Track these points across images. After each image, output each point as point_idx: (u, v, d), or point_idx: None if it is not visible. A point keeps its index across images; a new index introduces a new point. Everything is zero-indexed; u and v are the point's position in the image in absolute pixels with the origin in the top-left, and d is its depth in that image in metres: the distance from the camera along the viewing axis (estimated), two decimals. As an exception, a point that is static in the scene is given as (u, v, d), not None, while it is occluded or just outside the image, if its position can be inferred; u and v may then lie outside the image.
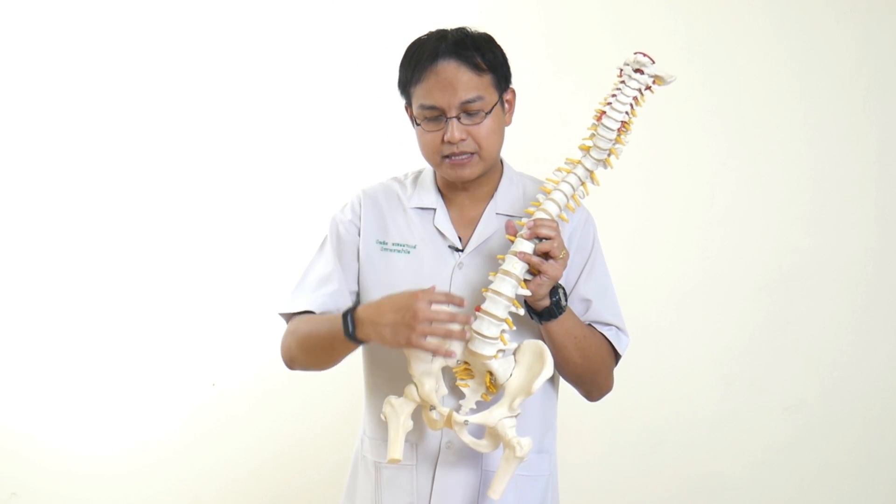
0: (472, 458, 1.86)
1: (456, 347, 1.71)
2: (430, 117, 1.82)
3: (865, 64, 2.92)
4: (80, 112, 3.12)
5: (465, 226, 1.90)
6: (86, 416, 3.12)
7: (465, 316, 1.68)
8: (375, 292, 1.88)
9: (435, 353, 1.68)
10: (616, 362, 1.93)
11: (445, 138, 1.81)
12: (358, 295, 1.93)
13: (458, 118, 1.81)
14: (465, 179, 1.85)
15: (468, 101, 1.81)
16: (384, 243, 1.91)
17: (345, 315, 1.76)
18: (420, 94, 1.83)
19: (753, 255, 2.95)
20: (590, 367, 1.85)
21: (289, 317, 1.95)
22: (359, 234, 1.93)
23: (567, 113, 2.97)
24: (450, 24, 1.90)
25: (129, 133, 3.12)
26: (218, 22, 3.10)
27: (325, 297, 1.89)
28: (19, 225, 3.13)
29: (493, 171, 1.92)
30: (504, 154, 1.93)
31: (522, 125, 2.04)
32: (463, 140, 1.81)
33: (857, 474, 2.95)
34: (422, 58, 1.84)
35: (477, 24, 1.91)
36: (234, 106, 3.10)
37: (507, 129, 1.90)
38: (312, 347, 1.86)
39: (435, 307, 1.66)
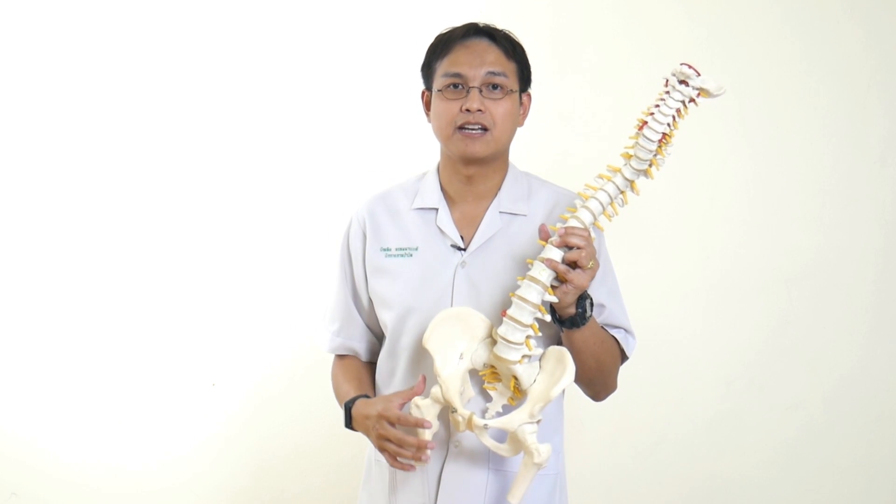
0: (479, 457, 1.88)
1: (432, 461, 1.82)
2: (452, 84, 1.85)
3: (868, 62, 2.93)
4: (83, 113, 3.10)
5: (468, 225, 1.92)
6: (85, 416, 3.12)
7: (416, 440, 1.76)
8: (383, 299, 1.93)
9: (401, 469, 1.81)
10: (622, 363, 1.95)
11: (463, 107, 1.84)
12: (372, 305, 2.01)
13: (480, 90, 1.83)
14: (473, 156, 1.86)
15: (493, 73, 1.85)
16: (388, 249, 1.93)
17: (347, 406, 1.91)
18: (446, 65, 1.87)
19: (754, 255, 2.96)
20: (602, 371, 1.88)
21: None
22: (364, 254, 1.94)
23: (568, 113, 2.97)
24: (454, 25, 1.93)
25: (131, 134, 3.11)
26: (229, 31, 3.09)
27: (339, 339, 2.04)
28: (20, 226, 3.12)
29: (499, 168, 1.93)
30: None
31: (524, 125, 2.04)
32: (480, 111, 1.83)
33: (858, 474, 2.96)
34: (453, 35, 1.90)
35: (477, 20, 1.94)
36: (239, 105, 3.09)
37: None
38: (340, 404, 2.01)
39: (388, 430, 1.77)
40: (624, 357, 1.95)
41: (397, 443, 1.76)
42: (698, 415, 2.99)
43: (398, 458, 1.78)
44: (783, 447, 2.96)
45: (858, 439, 2.95)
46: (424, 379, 1.79)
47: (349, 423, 1.90)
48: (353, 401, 1.89)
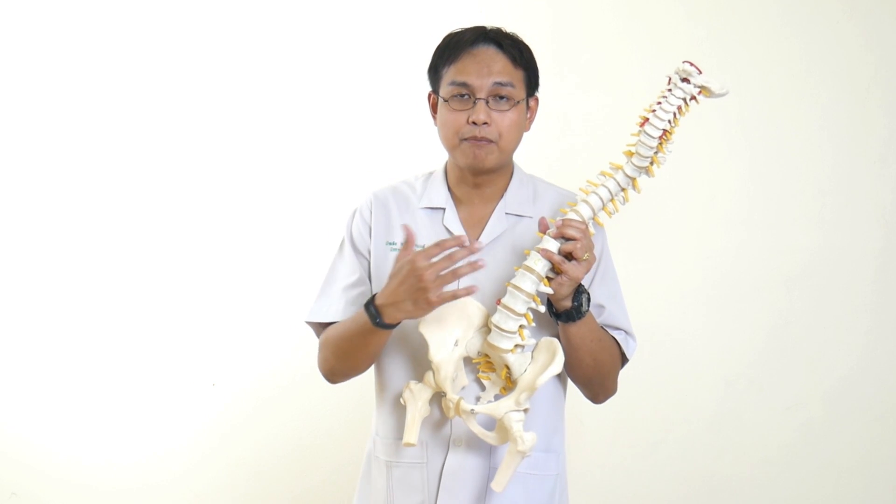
0: (480, 455, 1.87)
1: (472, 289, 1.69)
2: (458, 94, 1.84)
3: (868, 62, 2.93)
4: (83, 113, 3.11)
5: (474, 225, 1.92)
6: (85, 416, 3.12)
7: (465, 250, 1.67)
8: None
9: (457, 296, 1.68)
10: (622, 366, 1.94)
11: (470, 119, 1.83)
12: None
13: (487, 102, 1.83)
14: (479, 166, 1.86)
15: (500, 84, 1.84)
16: (393, 244, 1.93)
17: (367, 307, 1.77)
18: (452, 73, 1.86)
19: (754, 256, 2.96)
20: (600, 371, 1.88)
21: (315, 326, 1.98)
22: (370, 237, 1.94)
23: (570, 113, 2.97)
24: (454, 26, 1.93)
25: (132, 134, 3.11)
26: (230, 27, 3.10)
27: (351, 305, 1.92)
28: (20, 226, 3.12)
29: (505, 170, 1.94)
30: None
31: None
32: (486, 124, 1.83)
33: (858, 474, 2.96)
34: (461, 41, 1.87)
35: (478, 24, 1.94)
36: (239, 107, 3.10)
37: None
38: (348, 350, 1.87)
39: (433, 260, 1.67)
40: (624, 359, 1.95)
41: (446, 261, 1.65)
42: (698, 415, 2.99)
43: (457, 272, 1.66)
44: (783, 447, 2.96)
45: (858, 439, 2.95)
46: (411, 231, 1.72)
47: (377, 316, 1.75)
48: (370, 300, 1.78)
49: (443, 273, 1.67)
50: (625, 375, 2.03)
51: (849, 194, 2.94)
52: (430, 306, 1.69)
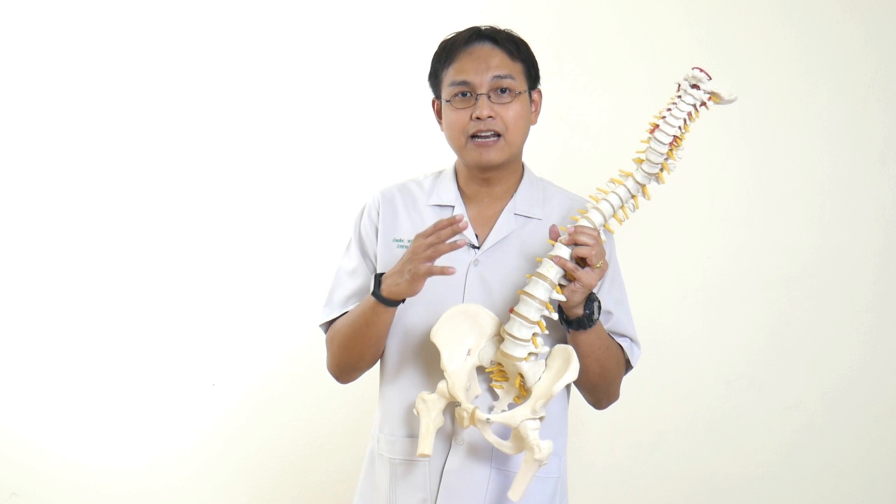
0: (481, 454, 1.87)
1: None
2: (460, 93, 1.85)
3: (868, 62, 2.93)
4: (84, 113, 3.10)
5: (483, 224, 1.93)
6: (85, 416, 3.11)
7: (450, 229, 1.69)
8: None
9: (445, 272, 1.70)
10: (626, 373, 1.95)
11: (474, 115, 1.84)
12: None
13: (489, 96, 1.83)
14: (488, 164, 1.87)
15: (500, 77, 1.85)
16: (400, 241, 1.94)
17: (375, 276, 1.81)
18: (451, 73, 1.87)
19: (754, 255, 2.96)
20: (605, 378, 1.89)
21: (327, 326, 1.99)
22: (377, 235, 1.94)
23: (569, 113, 2.97)
24: (456, 26, 1.93)
25: (133, 135, 3.11)
26: (236, 30, 3.09)
27: (354, 298, 1.94)
28: (20, 226, 3.12)
29: (515, 170, 1.94)
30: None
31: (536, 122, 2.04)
32: (491, 118, 1.84)
33: (857, 474, 2.96)
34: (456, 42, 1.89)
35: (478, 24, 1.94)
36: (240, 107, 3.09)
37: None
38: (352, 336, 1.88)
39: (428, 239, 1.70)
40: (628, 366, 1.95)
41: (434, 238, 1.69)
42: (698, 415, 2.99)
43: (439, 248, 1.70)
44: (783, 447, 2.96)
45: (858, 439, 2.95)
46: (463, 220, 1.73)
47: (378, 288, 1.80)
48: (379, 273, 1.84)
49: (429, 251, 1.70)
50: (625, 375, 2.03)
51: (849, 194, 2.94)
52: (413, 278, 1.72)
